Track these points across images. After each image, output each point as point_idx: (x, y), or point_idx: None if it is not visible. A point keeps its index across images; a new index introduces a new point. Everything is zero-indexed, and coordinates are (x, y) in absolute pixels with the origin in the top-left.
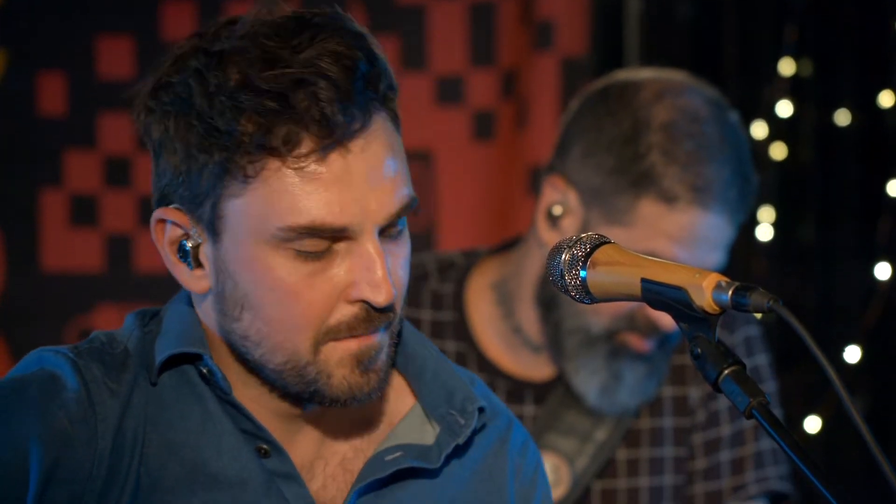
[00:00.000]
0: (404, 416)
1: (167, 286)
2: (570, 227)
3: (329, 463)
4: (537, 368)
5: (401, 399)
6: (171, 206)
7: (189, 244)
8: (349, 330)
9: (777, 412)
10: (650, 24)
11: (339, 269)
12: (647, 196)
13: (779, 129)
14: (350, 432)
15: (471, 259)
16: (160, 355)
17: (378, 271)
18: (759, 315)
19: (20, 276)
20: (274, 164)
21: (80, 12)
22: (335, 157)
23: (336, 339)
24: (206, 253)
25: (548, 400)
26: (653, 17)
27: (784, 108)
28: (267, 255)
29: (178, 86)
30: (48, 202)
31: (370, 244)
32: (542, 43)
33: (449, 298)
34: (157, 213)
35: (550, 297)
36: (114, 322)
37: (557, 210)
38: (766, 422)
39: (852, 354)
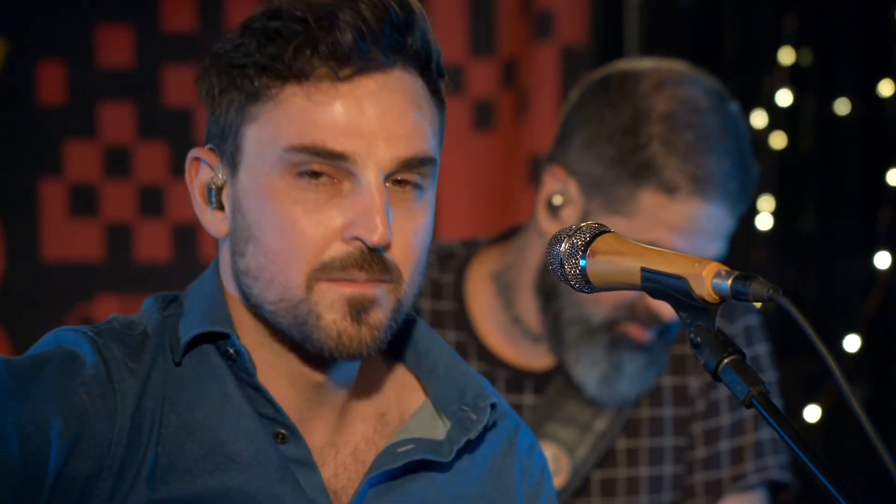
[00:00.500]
0: (415, 412)
1: (166, 276)
2: (570, 217)
3: (340, 452)
4: (537, 358)
5: (412, 396)
6: (205, 147)
7: (215, 185)
8: (342, 269)
9: (777, 402)
10: (650, 13)
11: (340, 207)
12: (648, 186)
13: (778, 118)
14: (363, 424)
15: (471, 249)
16: (186, 335)
17: (375, 210)
18: (758, 304)
19: (20, 266)
20: (291, 88)
21: (79, 2)
22: (349, 89)
23: (330, 280)
24: (227, 194)
25: (548, 390)
26: (653, 6)
27: (784, 98)
28: (273, 181)
29: (226, 41)
30: (48, 192)
31: (373, 185)
32: (542, 32)
33: (449, 288)
34: (192, 152)
35: (550, 286)
36: (114, 311)
37: (558, 200)
38: (765, 411)
39: (852, 344)
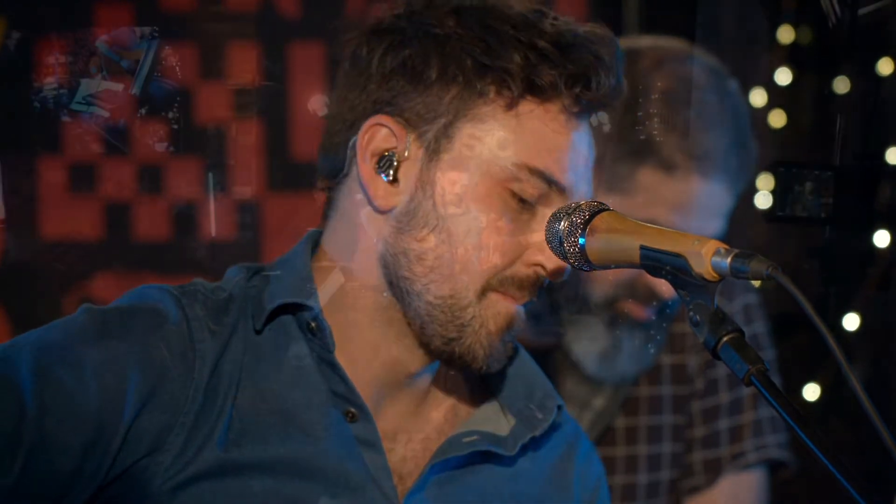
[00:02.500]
0: (480, 407)
1: (166, 254)
2: None
3: (412, 439)
4: (535, 335)
5: (479, 392)
6: (393, 117)
7: (396, 158)
8: (517, 287)
9: (776, 380)
10: None
11: (535, 230)
12: (647, 164)
13: (778, 96)
14: (437, 414)
15: None
16: (272, 303)
17: None
18: (757, 283)
19: (18, 244)
20: (529, 104)
21: None
22: (575, 125)
23: (500, 293)
24: (409, 170)
25: (546, 367)
26: None
27: (783, 76)
28: (486, 186)
29: (442, 22)
30: (47, 169)
31: None
32: None
33: None
34: (378, 118)
35: None
36: (113, 290)
37: None
38: (764, 389)
39: (851, 322)
